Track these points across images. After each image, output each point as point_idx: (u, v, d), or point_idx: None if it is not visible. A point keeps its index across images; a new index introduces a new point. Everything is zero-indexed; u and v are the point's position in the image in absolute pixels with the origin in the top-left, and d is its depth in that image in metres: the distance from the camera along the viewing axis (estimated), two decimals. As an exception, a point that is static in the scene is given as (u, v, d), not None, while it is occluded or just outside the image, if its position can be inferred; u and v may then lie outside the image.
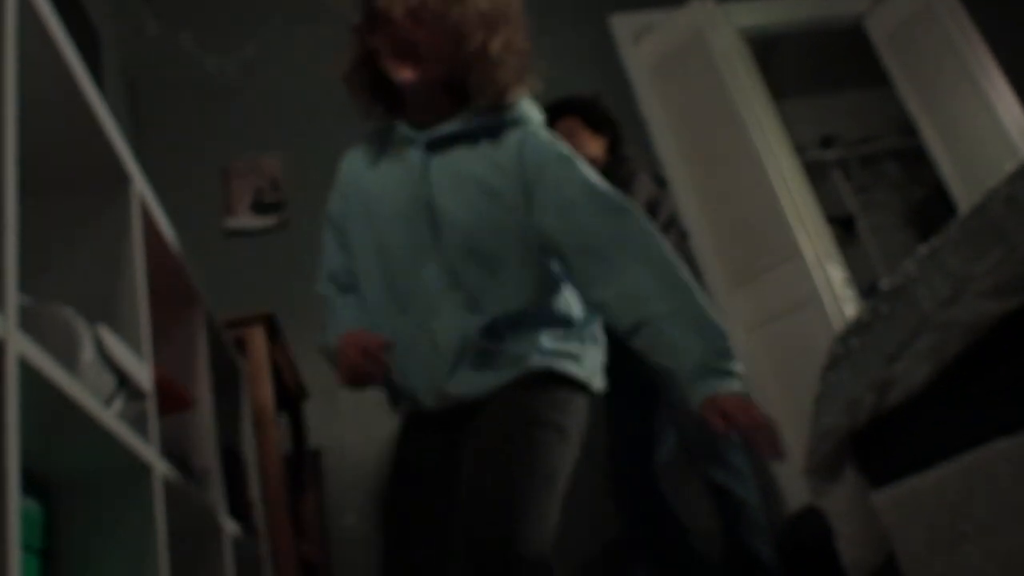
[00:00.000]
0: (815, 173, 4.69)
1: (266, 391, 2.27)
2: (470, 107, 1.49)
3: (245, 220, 3.32)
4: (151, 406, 1.19)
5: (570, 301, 1.49)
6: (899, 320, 1.45)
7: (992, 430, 1.30)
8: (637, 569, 2.70)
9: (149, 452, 1.11)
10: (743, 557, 2.46)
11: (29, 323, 0.85)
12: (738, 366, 1.34)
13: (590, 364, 1.49)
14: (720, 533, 2.54)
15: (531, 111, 1.55)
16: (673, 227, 2.79)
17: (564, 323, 1.47)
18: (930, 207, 4.72)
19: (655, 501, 2.62)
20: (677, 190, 3.55)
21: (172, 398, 1.42)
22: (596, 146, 3.18)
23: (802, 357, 2.91)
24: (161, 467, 1.16)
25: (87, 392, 0.91)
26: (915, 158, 4.65)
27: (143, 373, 1.14)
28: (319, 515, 2.80)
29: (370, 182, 1.54)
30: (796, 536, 2.59)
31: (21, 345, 0.77)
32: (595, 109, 3.26)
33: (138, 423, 1.15)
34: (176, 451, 1.41)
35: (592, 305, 1.48)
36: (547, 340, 1.44)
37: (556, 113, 3.23)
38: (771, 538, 2.50)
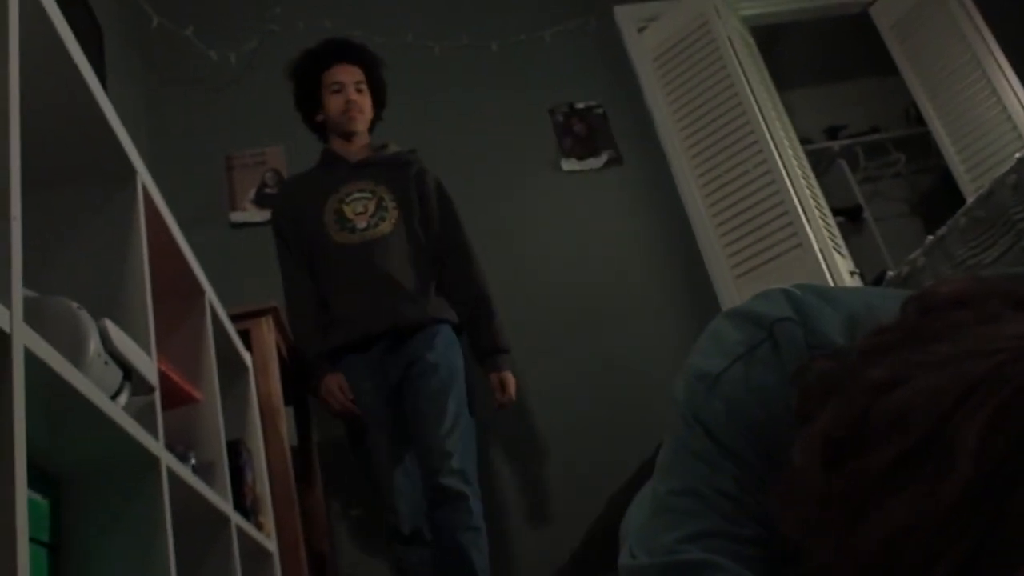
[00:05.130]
0: (821, 163, 4.67)
1: (274, 383, 2.27)
2: None
3: (249, 212, 3.32)
4: (157, 399, 1.19)
5: None
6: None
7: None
8: None
9: (156, 445, 1.11)
10: None
11: (34, 316, 0.84)
12: None
13: None
14: None
15: None
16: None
17: None
18: (937, 196, 4.70)
19: None
20: (682, 180, 3.54)
21: (178, 391, 1.43)
22: (370, 107, 2.79)
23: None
24: (167, 460, 1.16)
25: (93, 385, 0.91)
26: (922, 147, 4.63)
27: (149, 366, 1.14)
28: (325, 507, 2.80)
29: None
30: None
31: (26, 338, 0.76)
32: (378, 66, 2.83)
33: (144, 416, 1.15)
34: (182, 444, 1.41)
35: None
36: None
37: (334, 56, 2.76)
38: None
